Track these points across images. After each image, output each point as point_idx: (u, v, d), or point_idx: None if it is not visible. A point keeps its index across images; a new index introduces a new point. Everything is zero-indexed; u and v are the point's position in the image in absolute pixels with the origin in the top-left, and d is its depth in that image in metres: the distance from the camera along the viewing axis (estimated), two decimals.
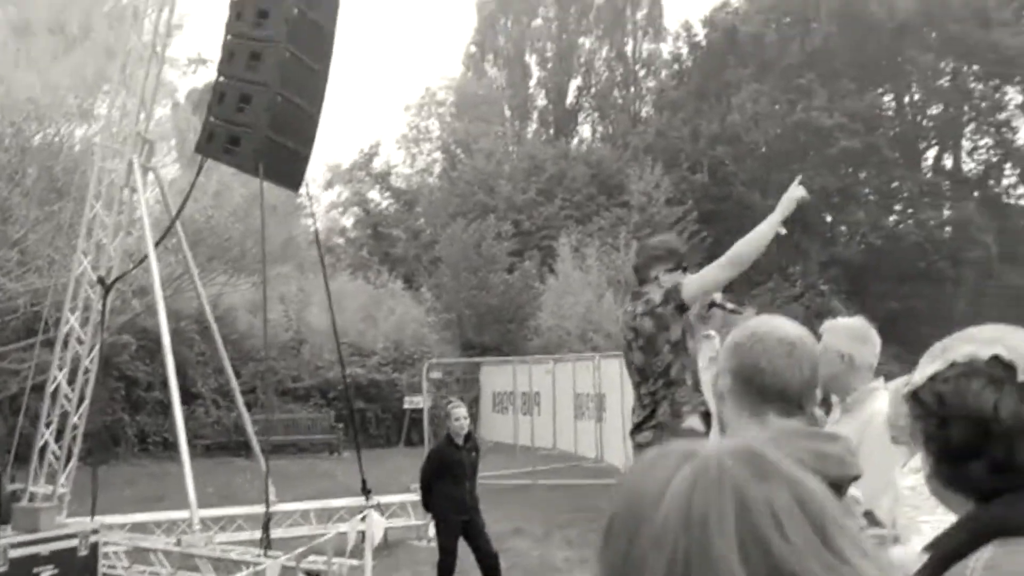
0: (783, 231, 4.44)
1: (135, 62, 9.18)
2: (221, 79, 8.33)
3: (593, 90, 48.90)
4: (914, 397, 1.38)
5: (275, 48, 8.11)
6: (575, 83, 48.80)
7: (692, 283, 4.24)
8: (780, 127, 39.39)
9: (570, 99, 48.84)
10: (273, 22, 8.11)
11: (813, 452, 1.75)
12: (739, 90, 39.97)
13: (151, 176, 9.72)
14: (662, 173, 35.60)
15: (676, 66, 46.18)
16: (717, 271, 4.29)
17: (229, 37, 8.27)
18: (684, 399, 4.24)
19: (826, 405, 4.08)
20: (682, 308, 4.21)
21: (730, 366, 1.91)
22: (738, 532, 0.75)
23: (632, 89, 48.65)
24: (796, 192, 4.43)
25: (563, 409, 19.86)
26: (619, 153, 41.00)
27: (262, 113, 8.19)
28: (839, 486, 1.77)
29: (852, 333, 3.81)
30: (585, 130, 49.45)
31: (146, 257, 9.12)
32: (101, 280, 8.95)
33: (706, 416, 4.25)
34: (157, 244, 9.54)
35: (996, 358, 1.30)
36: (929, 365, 1.38)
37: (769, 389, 1.85)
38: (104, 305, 8.95)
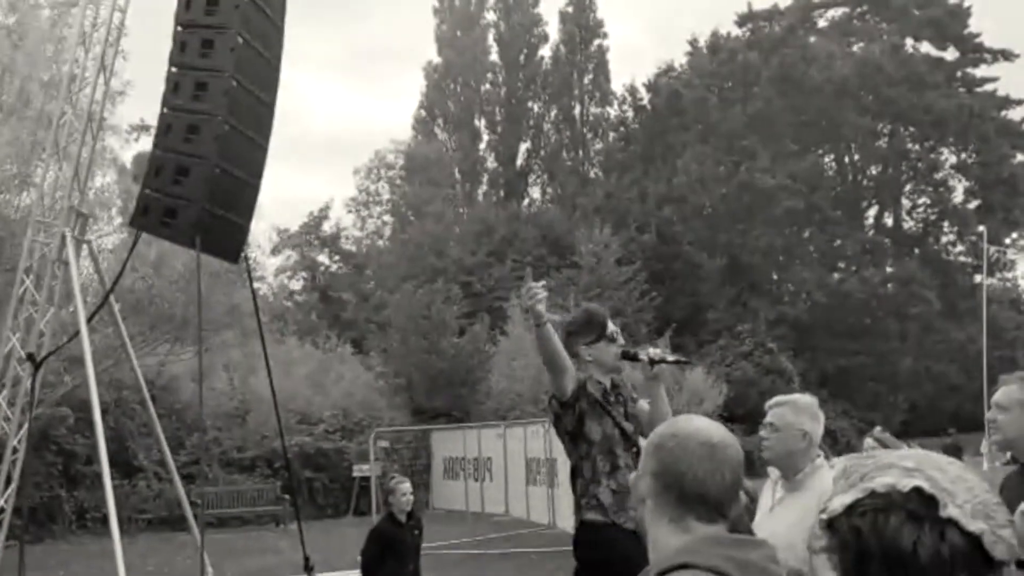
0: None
1: (69, 134, 9.02)
2: (158, 152, 8.21)
3: (542, 152, 49.48)
4: (830, 527, 1.29)
5: (213, 121, 8.02)
6: (524, 146, 49.35)
7: (556, 383, 4.20)
8: (725, 188, 40.12)
9: (520, 162, 49.33)
10: (212, 95, 8.04)
11: (735, 561, 1.68)
12: (684, 152, 40.74)
13: (86, 249, 9.50)
14: (611, 234, 35.94)
15: (622, 129, 47.00)
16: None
17: (166, 110, 8.17)
18: (580, 493, 4.19)
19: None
20: (559, 400, 4.16)
21: (651, 468, 1.84)
22: None
23: (580, 151, 49.34)
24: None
25: (515, 474, 19.63)
26: (568, 214, 41.39)
27: (200, 185, 8.06)
28: None
29: (812, 411, 3.78)
30: (535, 192, 49.94)
31: (78, 332, 8.86)
32: (31, 357, 8.67)
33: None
34: (90, 320, 9.30)
35: (918, 490, 1.22)
36: (847, 493, 1.28)
37: (690, 494, 1.78)
38: (34, 382, 8.66)
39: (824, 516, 1.31)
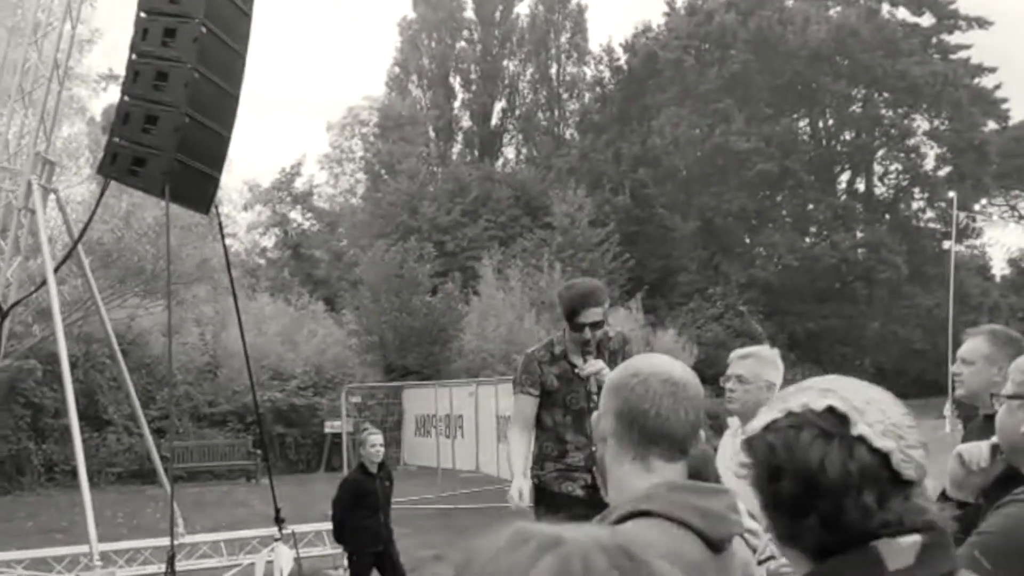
0: None
1: (35, 80, 8.85)
2: (126, 99, 8.07)
3: (517, 112, 49.20)
4: (748, 445, 1.31)
5: (182, 69, 7.89)
6: (499, 105, 49.05)
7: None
8: (699, 150, 40.16)
9: (494, 121, 49.05)
10: (180, 42, 7.89)
11: (695, 509, 1.70)
12: (659, 114, 40.67)
13: (52, 197, 9.37)
14: (585, 195, 35.94)
15: (599, 89, 46.78)
16: None
17: (134, 56, 8.02)
18: (533, 460, 4.57)
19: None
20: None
21: (612, 407, 1.85)
22: None
23: (556, 112, 49.10)
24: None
25: (486, 432, 19.74)
26: (543, 175, 41.29)
27: (169, 134, 7.95)
28: (720, 544, 1.72)
29: (775, 362, 3.86)
30: (509, 152, 49.74)
31: (45, 282, 8.77)
32: None
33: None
34: (57, 268, 9.20)
35: (830, 409, 1.24)
36: (767, 413, 1.31)
37: (653, 432, 1.79)
38: (0, 332, 8.57)
39: (743, 436, 1.34)
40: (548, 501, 4.38)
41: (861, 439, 1.22)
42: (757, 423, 1.31)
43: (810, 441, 1.22)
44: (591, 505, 4.02)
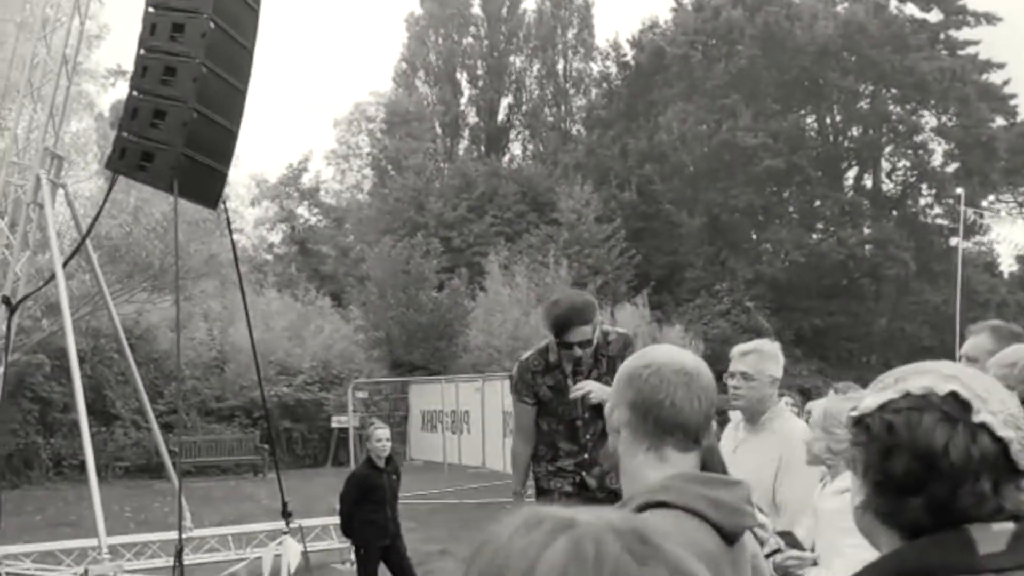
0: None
1: (44, 74, 8.88)
2: (134, 94, 8.10)
3: (524, 108, 49.13)
4: (859, 423, 1.34)
5: (191, 63, 7.91)
6: (506, 101, 48.99)
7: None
8: (706, 146, 40.06)
9: (501, 116, 49.00)
10: (189, 37, 7.91)
11: (709, 500, 1.71)
12: (666, 109, 40.57)
13: (61, 192, 9.41)
14: (592, 191, 35.91)
15: (605, 85, 46.70)
16: None
17: (143, 51, 8.04)
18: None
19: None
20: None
21: (626, 398, 1.85)
22: None
23: (562, 107, 49.02)
24: None
25: (492, 427, 19.77)
26: (549, 171, 41.25)
27: (177, 129, 7.97)
28: (733, 536, 1.73)
29: (776, 356, 3.89)
30: (516, 147, 49.66)
31: (53, 276, 8.81)
32: (6, 300, 8.61)
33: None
34: (66, 263, 9.24)
35: (953, 395, 1.27)
36: (881, 392, 1.33)
37: (668, 422, 1.80)
38: (9, 326, 8.61)
39: (855, 413, 1.36)
40: (539, 495, 4.54)
41: (983, 426, 1.24)
42: (871, 401, 1.33)
43: (933, 424, 1.25)
44: (581, 500, 4.09)
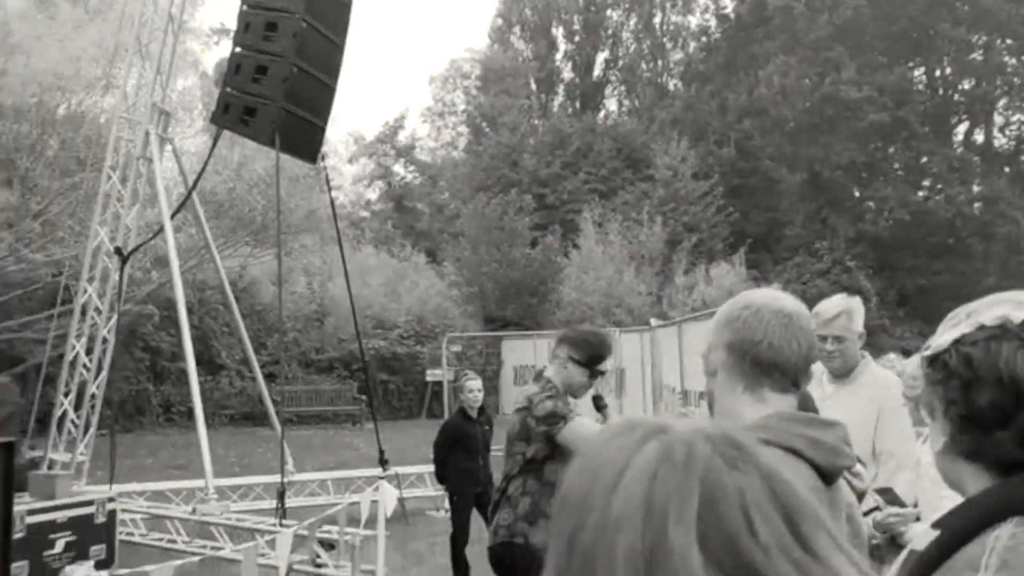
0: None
1: (151, 32, 9.17)
2: (237, 50, 8.30)
3: (620, 63, 48.45)
4: (934, 361, 1.30)
5: (291, 19, 8.06)
6: (602, 56, 48.37)
7: (569, 436, 3.70)
8: (808, 100, 38.89)
9: (597, 72, 48.44)
10: None
11: (808, 439, 1.70)
12: (767, 63, 39.48)
13: (169, 147, 9.73)
14: (688, 147, 35.36)
15: (704, 39, 45.66)
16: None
17: (245, 8, 8.23)
18: (504, 523, 3.80)
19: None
20: (550, 440, 3.73)
21: (723, 340, 1.84)
22: (701, 524, 0.69)
23: (659, 62, 48.16)
24: None
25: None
26: (645, 126, 40.71)
27: (278, 84, 8.16)
28: (831, 475, 1.72)
29: (860, 312, 3.93)
30: (611, 103, 49.10)
31: (162, 228, 9.15)
32: (118, 251, 8.99)
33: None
34: (174, 215, 9.57)
35: None
36: (953, 329, 1.30)
37: (766, 362, 1.79)
38: (121, 276, 8.99)
39: (928, 352, 1.33)
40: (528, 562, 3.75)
41: None
42: (944, 338, 1.29)
43: (1013, 352, 1.21)
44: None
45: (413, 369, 23.67)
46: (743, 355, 1.79)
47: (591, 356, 3.95)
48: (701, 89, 41.74)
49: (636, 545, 0.69)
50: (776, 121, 39.50)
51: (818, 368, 3.94)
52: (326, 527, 7.46)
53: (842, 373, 3.88)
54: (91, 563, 3.85)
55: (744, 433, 0.77)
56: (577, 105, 46.96)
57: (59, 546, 7.23)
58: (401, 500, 9.45)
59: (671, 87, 46.81)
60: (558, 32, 48.59)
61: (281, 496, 7.79)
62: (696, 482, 0.71)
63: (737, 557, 0.68)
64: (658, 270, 28.95)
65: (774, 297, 1.86)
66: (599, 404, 4.26)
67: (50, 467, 8.72)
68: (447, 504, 8.59)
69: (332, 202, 10.59)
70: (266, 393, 11.35)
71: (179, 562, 5.13)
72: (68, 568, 3.74)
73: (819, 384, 3.91)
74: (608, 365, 4.10)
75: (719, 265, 28.51)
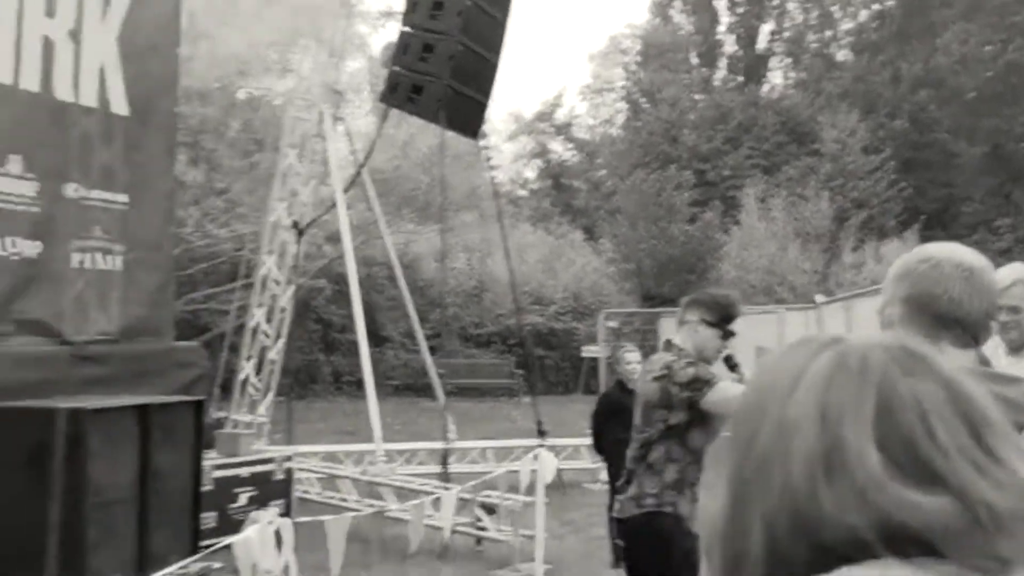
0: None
1: (325, 16, 9.61)
2: (405, 29, 8.59)
3: (786, 34, 46.85)
4: None
5: None
6: (767, 27, 46.90)
7: (715, 399, 3.62)
8: (991, 69, 36.48)
9: (761, 44, 47.01)
10: None
11: (991, 393, 1.67)
12: (945, 30, 37.28)
13: (341, 127, 10.18)
14: (858, 119, 33.93)
15: (876, 6, 43.51)
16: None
17: None
18: (652, 491, 3.69)
19: None
20: (693, 406, 3.66)
21: (901, 293, 1.81)
22: (878, 428, 0.70)
23: (828, 32, 46.27)
24: None
25: (744, 362, 19.45)
26: (812, 99, 39.29)
27: (444, 62, 8.39)
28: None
29: None
30: (776, 76, 47.53)
31: (335, 204, 9.59)
32: (295, 224, 9.51)
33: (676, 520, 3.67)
34: (346, 189, 10.01)
35: None
36: None
37: (946, 316, 1.75)
38: (298, 248, 9.51)
39: None
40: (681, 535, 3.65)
41: None
42: None
43: None
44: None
45: (569, 345, 23.85)
46: (922, 309, 1.76)
47: (723, 316, 3.93)
48: (873, 59, 39.87)
49: (813, 447, 0.71)
50: (954, 91, 37.28)
51: (994, 341, 3.81)
52: (487, 492, 7.71)
53: (1020, 345, 3.72)
54: (275, 509, 4.17)
55: (925, 346, 0.79)
56: (740, 78, 45.77)
57: (242, 500, 7.79)
58: (559, 471, 9.63)
59: (840, 58, 44.91)
60: (721, 4, 47.40)
61: (444, 460, 8.08)
62: (872, 388, 0.72)
63: (916, 459, 0.70)
64: (824, 247, 27.99)
65: (954, 250, 1.82)
66: (732, 364, 4.16)
67: (233, 427, 9.35)
68: (604, 476, 8.68)
69: (493, 179, 10.81)
70: (431, 365, 11.73)
71: (353, 513, 5.45)
72: (254, 513, 4.06)
73: (994, 357, 3.78)
74: (738, 325, 4.05)
75: (890, 242, 27.26)
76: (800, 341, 0.81)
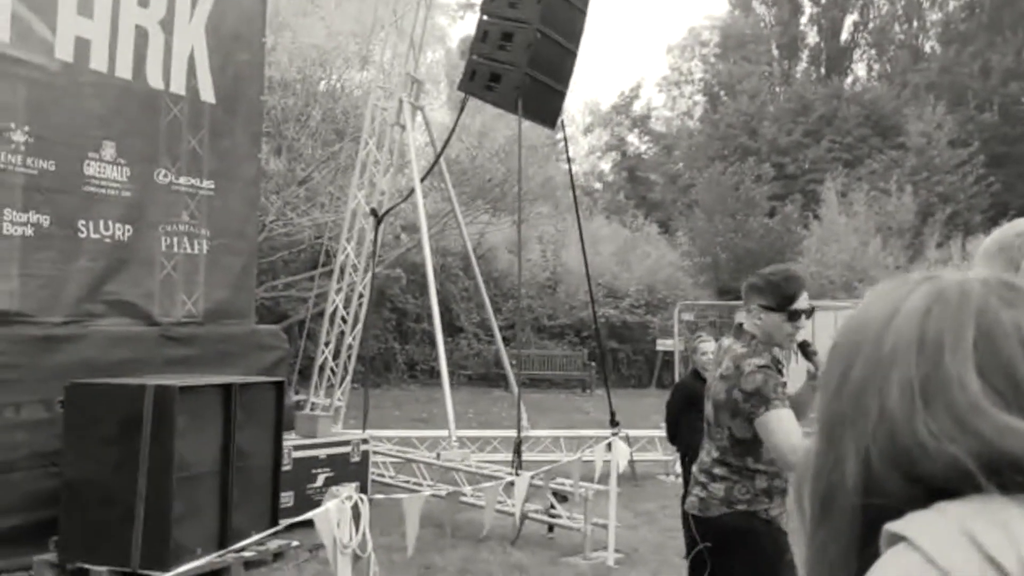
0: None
1: (406, 6, 9.71)
2: (484, 17, 8.62)
3: (871, 25, 45.77)
4: None
5: None
6: (851, 18, 45.87)
7: (765, 430, 3.27)
8: None
9: (845, 36, 46.01)
10: None
11: None
12: None
13: (419, 116, 10.28)
14: (945, 112, 32.98)
15: None
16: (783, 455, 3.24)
17: None
18: (744, 496, 3.41)
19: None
20: (751, 421, 3.33)
21: (995, 267, 1.77)
22: (978, 355, 0.70)
23: (915, 23, 45.05)
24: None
25: (822, 358, 19.10)
26: (896, 92, 38.31)
27: (522, 51, 8.40)
28: None
29: None
30: (860, 68, 46.52)
31: (413, 191, 9.69)
32: (374, 212, 9.63)
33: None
34: (423, 178, 10.10)
35: None
36: None
37: None
38: (376, 236, 9.63)
39: None
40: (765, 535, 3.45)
41: None
42: None
43: None
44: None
45: (643, 338, 23.71)
46: None
47: (782, 297, 3.51)
48: (961, 51, 38.70)
49: (911, 375, 0.71)
50: None
51: None
52: (559, 480, 7.73)
53: None
54: (354, 485, 4.24)
55: (1021, 281, 0.78)
56: (822, 70, 44.86)
57: (320, 480, 7.94)
58: (631, 463, 9.59)
59: (927, 49, 43.70)
60: None
61: (518, 447, 8.12)
62: (971, 317, 0.72)
63: (1016, 386, 0.69)
64: (907, 243, 27.30)
65: None
66: (807, 351, 3.73)
67: (312, 410, 9.53)
68: (678, 468, 8.63)
69: (570, 170, 10.78)
70: (505, 355, 11.78)
71: (428, 493, 5.51)
72: (333, 488, 4.14)
73: None
74: (805, 302, 3.57)
75: (976, 239, 26.44)
76: (896, 279, 0.81)
